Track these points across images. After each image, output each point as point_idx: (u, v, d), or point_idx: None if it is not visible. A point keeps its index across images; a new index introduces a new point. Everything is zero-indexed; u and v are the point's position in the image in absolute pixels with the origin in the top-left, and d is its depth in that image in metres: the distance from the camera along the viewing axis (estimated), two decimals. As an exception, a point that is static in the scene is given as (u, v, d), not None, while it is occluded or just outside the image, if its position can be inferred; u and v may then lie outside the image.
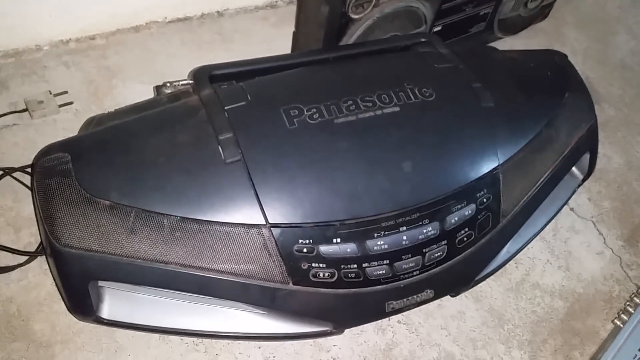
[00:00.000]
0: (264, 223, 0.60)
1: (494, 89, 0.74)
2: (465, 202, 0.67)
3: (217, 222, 0.60)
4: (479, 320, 0.79)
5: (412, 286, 0.67)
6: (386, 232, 0.63)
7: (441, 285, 0.69)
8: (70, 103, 0.93)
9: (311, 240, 0.61)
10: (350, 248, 0.62)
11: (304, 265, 0.61)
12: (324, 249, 0.61)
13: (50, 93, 0.91)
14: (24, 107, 0.90)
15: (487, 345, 0.77)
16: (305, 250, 0.61)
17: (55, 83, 0.95)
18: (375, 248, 0.63)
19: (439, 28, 0.98)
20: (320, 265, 0.62)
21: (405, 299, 0.67)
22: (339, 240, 0.62)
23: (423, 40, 0.81)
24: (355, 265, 0.63)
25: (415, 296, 0.68)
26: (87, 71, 0.98)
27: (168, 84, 0.76)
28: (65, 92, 0.93)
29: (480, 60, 0.82)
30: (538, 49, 0.92)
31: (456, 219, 0.67)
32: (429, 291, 0.68)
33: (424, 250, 0.66)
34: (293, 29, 0.96)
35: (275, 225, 0.60)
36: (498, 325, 0.79)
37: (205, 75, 0.72)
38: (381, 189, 0.64)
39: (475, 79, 0.74)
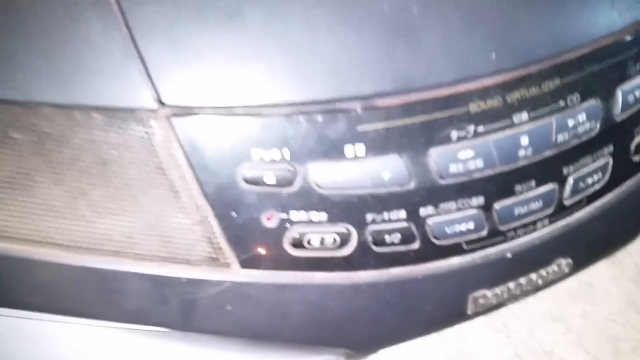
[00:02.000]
0: (152, 107, 0.22)
1: None
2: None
3: (42, 103, 0.22)
4: (620, 298, 0.42)
5: (531, 254, 0.29)
6: (480, 126, 0.25)
7: (589, 245, 0.32)
8: None
9: (287, 151, 0.23)
10: (389, 165, 0.24)
11: (267, 219, 0.23)
12: (321, 170, 0.23)
13: None
14: None
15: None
16: (267, 176, 0.23)
17: None
18: (452, 168, 0.25)
19: None
20: (315, 215, 0.24)
21: (512, 283, 0.29)
22: (360, 147, 0.23)
23: None
24: (403, 214, 0.25)
25: (534, 275, 0.30)
26: None
27: None
28: None
29: None
30: None
31: (636, 94, 0.28)
32: (563, 262, 0.30)
33: (566, 171, 0.27)
34: None
35: (180, 113, 0.22)
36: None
37: None
38: (470, 24, 0.24)
39: None
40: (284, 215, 0.23)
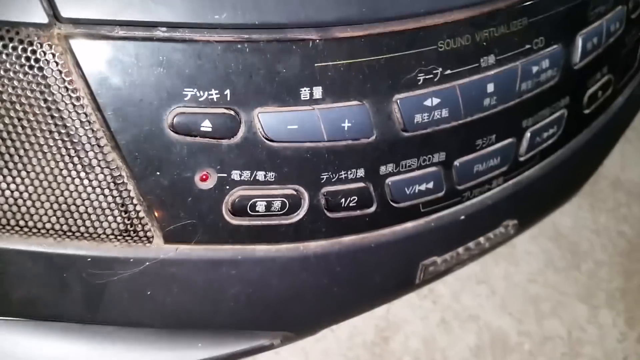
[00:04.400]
0: (43, 21, 0.16)
1: None
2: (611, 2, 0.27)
3: None
4: (539, 258, 0.42)
5: (482, 215, 0.26)
6: (448, 69, 0.21)
7: (535, 204, 0.30)
8: None
9: (228, 91, 0.18)
10: (350, 112, 0.20)
11: (201, 180, 0.18)
12: (270, 118, 0.18)
13: None
14: None
15: (560, 308, 0.40)
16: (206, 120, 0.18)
17: None
18: (417, 117, 0.21)
19: None
20: (261, 174, 0.19)
21: (461, 248, 0.27)
22: (318, 90, 0.19)
23: None
24: (361, 172, 0.21)
25: (482, 239, 0.28)
26: None
27: None
28: None
29: None
30: None
31: (594, 41, 0.26)
32: (510, 223, 0.28)
33: (525, 124, 0.25)
34: None
35: (83, 32, 0.16)
36: (572, 265, 0.42)
37: None
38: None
39: None
40: (223, 175, 0.18)
